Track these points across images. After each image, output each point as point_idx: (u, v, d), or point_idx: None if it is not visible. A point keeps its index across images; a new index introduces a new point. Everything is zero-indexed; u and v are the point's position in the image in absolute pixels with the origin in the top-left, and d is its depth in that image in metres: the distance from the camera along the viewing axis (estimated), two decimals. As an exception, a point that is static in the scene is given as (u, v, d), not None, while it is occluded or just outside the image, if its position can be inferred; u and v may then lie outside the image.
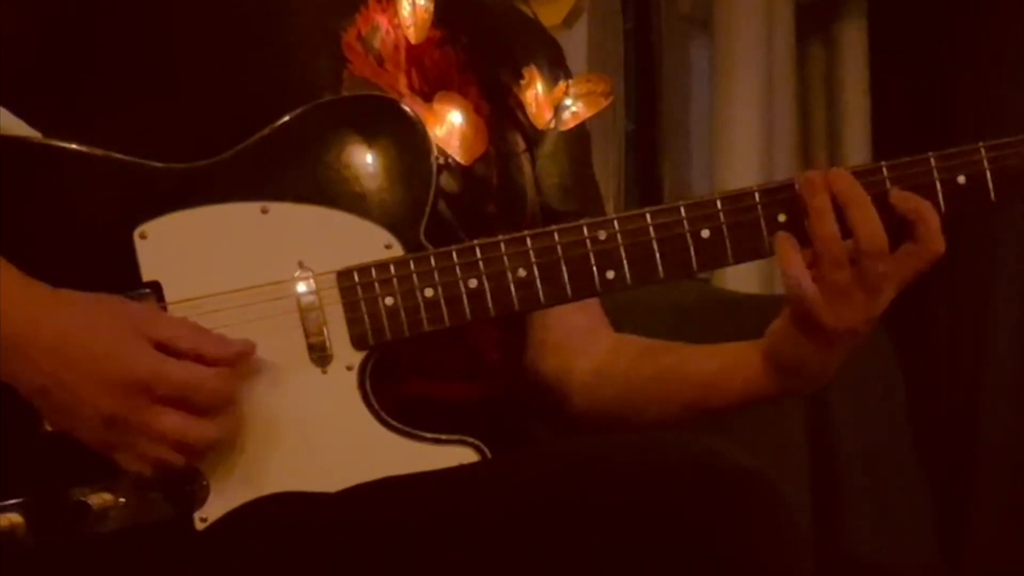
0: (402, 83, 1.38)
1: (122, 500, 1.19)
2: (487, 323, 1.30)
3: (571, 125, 1.49)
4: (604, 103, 1.48)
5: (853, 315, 1.24)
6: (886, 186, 1.24)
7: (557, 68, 1.51)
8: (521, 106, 1.46)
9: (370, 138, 1.27)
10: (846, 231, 1.23)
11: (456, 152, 1.37)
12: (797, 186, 1.24)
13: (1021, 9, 2.69)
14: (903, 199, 1.24)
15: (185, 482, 1.20)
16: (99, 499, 1.19)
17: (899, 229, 1.24)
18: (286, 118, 1.27)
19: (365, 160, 1.26)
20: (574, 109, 1.48)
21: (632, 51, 2.90)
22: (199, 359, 1.17)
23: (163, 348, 1.17)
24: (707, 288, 2.11)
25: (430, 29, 1.40)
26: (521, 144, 1.45)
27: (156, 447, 1.17)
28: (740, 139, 2.76)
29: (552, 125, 1.47)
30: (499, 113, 1.44)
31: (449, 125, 1.38)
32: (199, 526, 1.21)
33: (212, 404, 1.18)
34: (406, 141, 1.27)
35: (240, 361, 1.20)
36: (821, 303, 1.23)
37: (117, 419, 1.16)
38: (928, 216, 1.23)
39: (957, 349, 2.75)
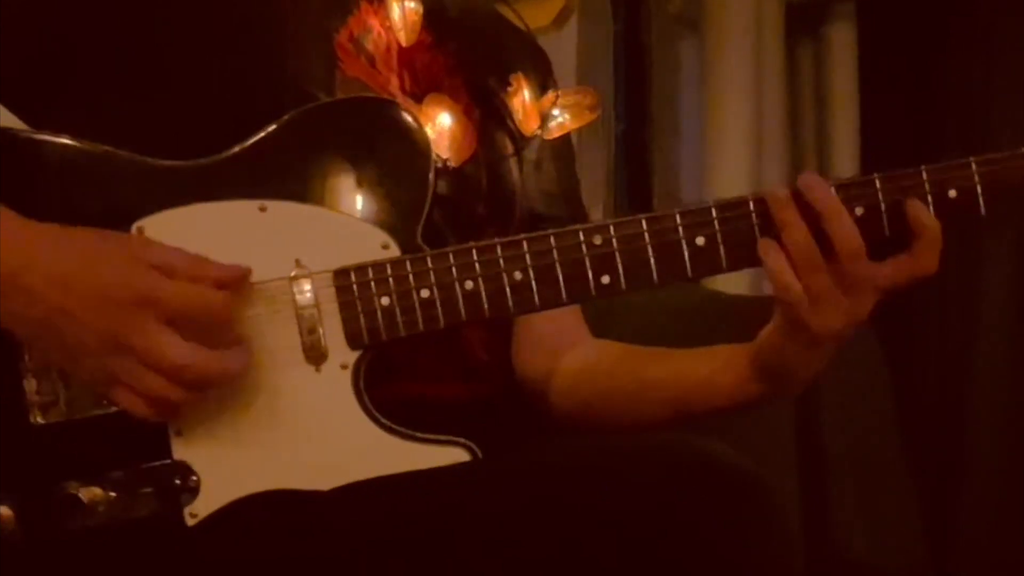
0: (394, 84, 1.39)
1: (112, 495, 1.19)
2: (478, 324, 1.31)
3: (556, 135, 1.50)
4: (591, 116, 1.50)
5: (837, 318, 1.25)
6: (879, 197, 1.25)
7: (545, 77, 1.53)
8: (509, 112, 1.47)
9: (369, 140, 1.27)
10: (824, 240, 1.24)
11: (445, 154, 1.38)
12: (797, 190, 1.25)
13: (1012, 12, 2.70)
14: (917, 210, 1.25)
15: (176, 477, 1.21)
16: (89, 493, 1.19)
17: (900, 239, 1.25)
18: (286, 118, 1.27)
19: (364, 161, 1.27)
20: (561, 120, 1.49)
21: (622, 51, 2.90)
22: (197, 281, 1.17)
23: (161, 271, 1.17)
24: (698, 289, 2.11)
25: (420, 32, 1.41)
26: (509, 147, 1.46)
27: (156, 379, 1.15)
28: (730, 138, 2.76)
29: (538, 133, 1.48)
30: (488, 117, 1.45)
31: (439, 127, 1.39)
32: (189, 522, 1.21)
33: (214, 324, 1.17)
34: (405, 143, 1.28)
35: (238, 284, 1.20)
36: (807, 306, 1.24)
37: (119, 342, 1.14)
38: (929, 234, 1.24)
39: (945, 349, 2.76)
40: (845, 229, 1.23)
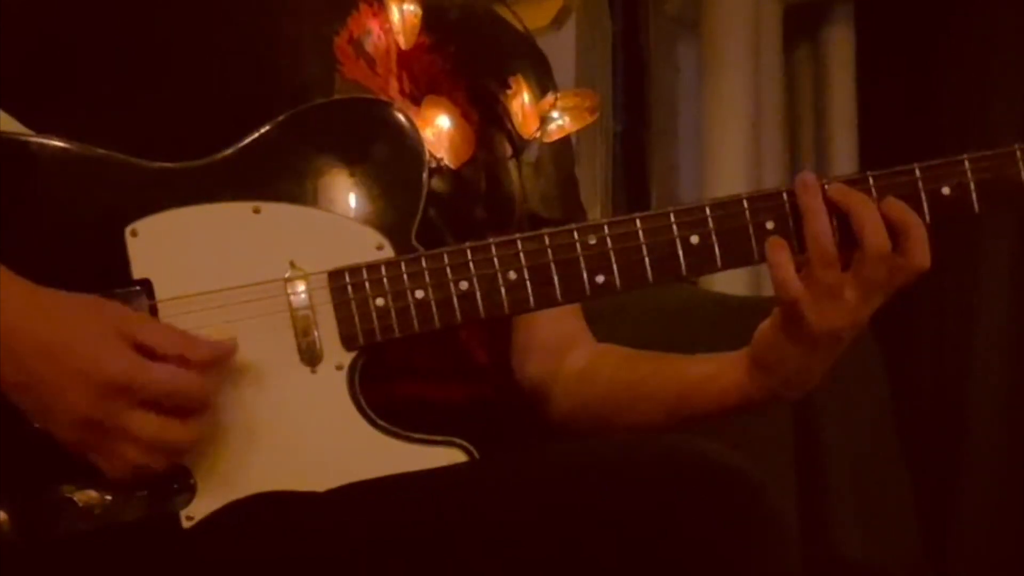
0: (393, 87, 1.39)
1: (108, 498, 1.19)
2: (474, 325, 1.30)
3: (556, 137, 1.50)
4: (590, 118, 1.50)
5: (839, 317, 1.25)
6: (872, 195, 1.25)
7: (545, 80, 1.53)
8: (508, 114, 1.47)
9: (364, 141, 1.27)
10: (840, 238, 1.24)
11: (444, 156, 1.38)
12: (792, 189, 1.26)
13: (1010, 15, 2.71)
14: (894, 208, 1.25)
15: (172, 480, 1.20)
16: (84, 496, 1.19)
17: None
18: (280, 119, 1.27)
19: (358, 162, 1.27)
20: (560, 122, 1.49)
21: (620, 52, 2.90)
22: (181, 362, 1.17)
23: (145, 351, 1.17)
24: (696, 290, 2.11)
25: (420, 35, 1.41)
26: (508, 150, 1.46)
27: (132, 450, 1.16)
28: (728, 139, 2.76)
29: (537, 135, 1.48)
30: (487, 120, 1.45)
31: (437, 129, 1.39)
32: (186, 524, 1.21)
33: (191, 407, 1.18)
34: (399, 144, 1.28)
35: (222, 364, 1.20)
36: (809, 302, 1.24)
37: (94, 421, 1.15)
38: (915, 230, 1.25)
39: (943, 350, 2.76)
40: (877, 227, 1.23)
